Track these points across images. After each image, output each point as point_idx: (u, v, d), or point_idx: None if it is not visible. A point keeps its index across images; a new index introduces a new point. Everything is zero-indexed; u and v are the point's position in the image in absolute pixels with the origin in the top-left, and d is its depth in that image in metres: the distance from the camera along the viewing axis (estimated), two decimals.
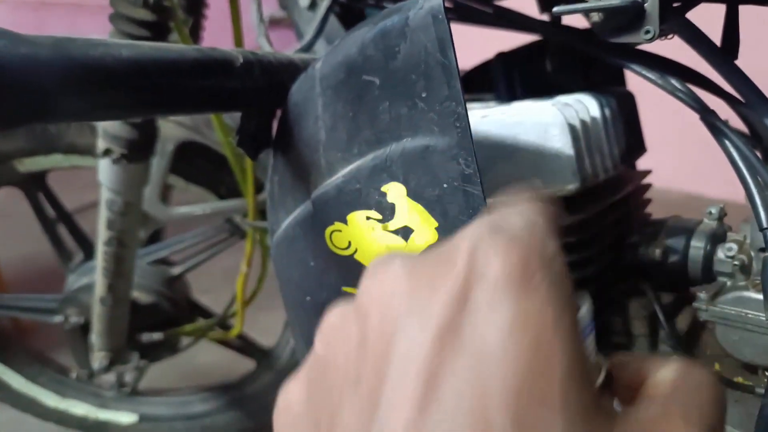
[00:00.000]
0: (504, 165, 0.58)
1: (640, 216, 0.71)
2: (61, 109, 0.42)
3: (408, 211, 0.47)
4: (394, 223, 0.49)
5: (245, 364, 1.27)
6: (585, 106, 0.59)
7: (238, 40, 0.88)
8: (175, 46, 0.50)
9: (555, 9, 0.41)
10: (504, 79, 0.74)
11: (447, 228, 0.46)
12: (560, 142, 0.56)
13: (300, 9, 0.79)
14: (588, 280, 0.60)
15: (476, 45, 0.75)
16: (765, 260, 0.46)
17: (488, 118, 0.58)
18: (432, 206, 0.46)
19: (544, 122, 0.56)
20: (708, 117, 0.50)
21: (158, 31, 0.75)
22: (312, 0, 0.77)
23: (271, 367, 1.22)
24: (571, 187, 0.56)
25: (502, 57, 0.75)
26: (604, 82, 0.70)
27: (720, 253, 0.58)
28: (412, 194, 0.46)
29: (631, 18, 0.42)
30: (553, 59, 0.62)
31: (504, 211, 0.21)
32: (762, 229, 0.47)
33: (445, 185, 0.45)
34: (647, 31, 0.42)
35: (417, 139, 0.45)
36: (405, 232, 0.48)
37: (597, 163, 0.59)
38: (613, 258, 0.62)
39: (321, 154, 0.53)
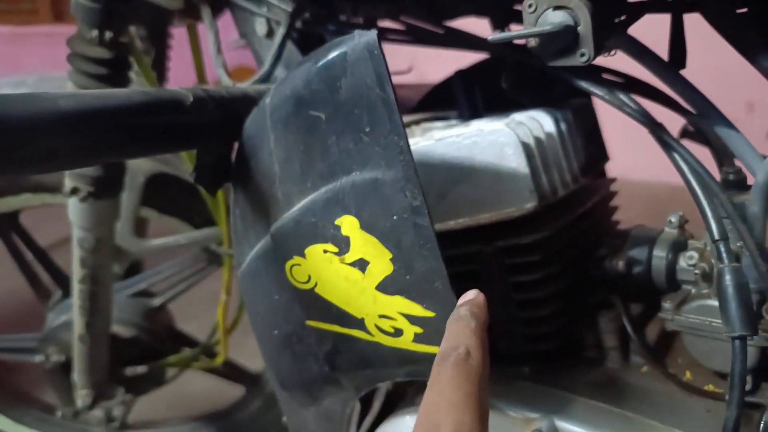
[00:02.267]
0: (463, 186, 0.58)
1: (608, 225, 0.71)
2: (4, 164, 0.42)
3: (362, 243, 0.47)
4: (351, 256, 0.49)
5: (235, 390, 1.26)
6: (539, 123, 0.60)
7: (200, 71, 0.88)
8: (119, 92, 0.50)
9: (490, 37, 0.42)
10: (465, 96, 0.74)
11: (400, 259, 0.46)
12: (515, 162, 0.56)
13: (258, 37, 0.79)
14: (557, 295, 0.60)
15: None
16: (719, 272, 0.46)
17: (444, 141, 0.58)
18: (385, 238, 0.46)
19: (499, 143, 0.56)
20: (657, 131, 0.50)
21: (117, 67, 0.75)
22: (269, 28, 0.77)
23: (260, 392, 1.21)
24: (529, 205, 0.56)
25: (461, 74, 0.75)
26: (565, 94, 0.70)
27: (682, 262, 0.58)
28: (365, 226, 0.46)
29: (567, 42, 0.42)
30: (507, 77, 0.62)
31: None
32: (714, 241, 0.47)
33: (395, 217, 0.45)
34: (582, 54, 0.42)
35: (366, 172, 0.45)
36: (361, 264, 0.48)
37: (555, 179, 0.59)
38: (580, 272, 0.62)
39: (277, 187, 0.53)
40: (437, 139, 0.59)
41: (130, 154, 0.57)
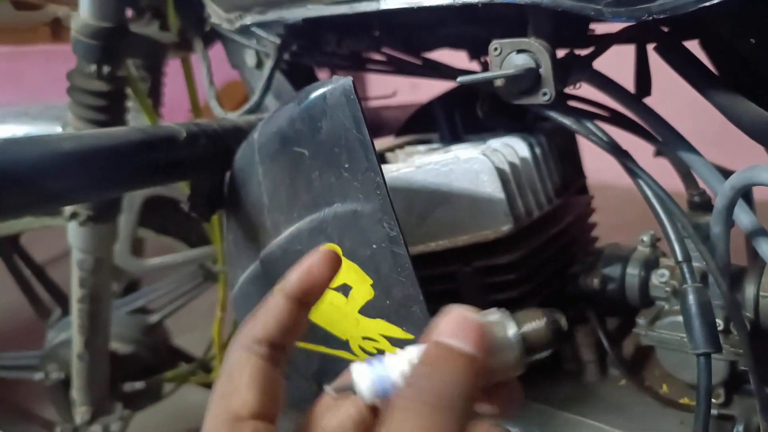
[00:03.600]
0: (442, 210, 0.61)
1: (584, 242, 0.74)
2: (10, 206, 0.45)
3: (345, 269, 0.50)
4: (335, 281, 0.52)
5: None
6: (513, 149, 0.63)
7: (194, 103, 0.92)
8: (118, 131, 0.53)
9: (458, 79, 0.45)
10: (445, 120, 0.77)
11: (380, 284, 0.49)
12: (491, 187, 0.59)
13: (248, 68, 0.82)
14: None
15: None
16: (683, 292, 0.49)
17: (423, 168, 0.61)
18: (365, 265, 0.49)
19: (474, 170, 0.59)
20: (622, 158, 0.53)
21: (114, 99, 0.78)
22: (258, 59, 0.80)
23: None
24: (505, 227, 0.59)
25: (442, 99, 0.79)
26: (540, 118, 0.73)
27: (654, 279, 0.61)
28: (347, 254, 0.49)
29: (530, 82, 0.45)
30: (482, 105, 0.65)
31: None
32: (678, 262, 0.50)
33: (374, 246, 0.48)
34: (544, 94, 0.45)
35: (346, 204, 0.48)
36: (344, 290, 0.51)
37: (530, 201, 0.62)
38: (557, 288, 0.65)
39: (266, 216, 0.57)
40: (417, 166, 0.62)
41: (130, 188, 0.60)
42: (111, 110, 0.76)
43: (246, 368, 0.30)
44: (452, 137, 0.77)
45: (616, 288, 0.62)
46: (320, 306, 0.54)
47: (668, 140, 0.56)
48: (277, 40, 0.73)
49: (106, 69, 0.73)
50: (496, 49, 0.46)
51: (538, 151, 0.66)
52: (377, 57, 0.74)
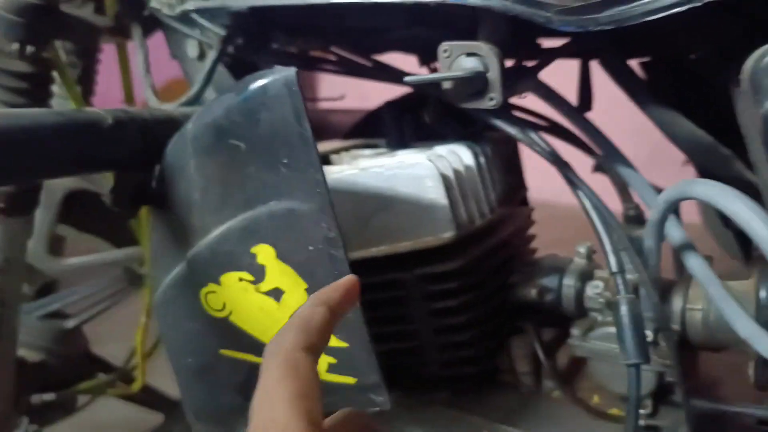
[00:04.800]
0: (384, 215, 0.60)
1: (525, 252, 0.75)
2: None
3: (278, 272, 0.47)
4: (266, 285, 0.49)
5: (153, 418, 1.21)
6: (458, 156, 0.62)
7: (128, 90, 0.87)
8: (30, 112, 0.49)
9: (406, 78, 0.44)
10: (393, 126, 0.76)
11: (316, 289, 0.46)
12: (434, 193, 0.58)
13: (190, 59, 0.78)
14: (474, 322, 0.62)
15: None
16: (616, 303, 0.50)
17: (368, 171, 0.60)
18: (300, 268, 0.47)
19: (419, 175, 0.58)
20: (563, 169, 0.53)
21: (37, 82, 0.72)
22: (201, 51, 0.77)
23: (181, 419, 1.17)
24: (447, 234, 0.58)
25: (391, 104, 0.78)
26: (486, 127, 0.73)
27: (589, 291, 0.62)
28: (282, 256, 0.47)
29: (478, 86, 0.44)
30: (430, 111, 0.64)
31: None
32: (612, 274, 0.50)
33: (311, 248, 0.46)
34: (491, 98, 0.45)
35: (283, 202, 0.46)
36: (276, 294, 0.48)
37: (473, 209, 0.62)
38: (497, 298, 0.65)
39: (195, 214, 0.53)
40: (361, 169, 0.60)
41: (44, 176, 0.55)
42: (32, 94, 0.71)
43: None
44: (399, 143, 0.76)
45: (553, 299, 0.62)
46: (249, 311, 0.52)
47: (607, 154, 0.57)
48: (222, 32, 0.70)
49: (30, 49, 0.67)
50: (445, 51, 0.45)
51: (482, 159, 0.65)
52: (327, 57, 0.72)
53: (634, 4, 0.38)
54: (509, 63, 0.54)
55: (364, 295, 0.59)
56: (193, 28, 0.73)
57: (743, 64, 0.38)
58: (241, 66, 0.79)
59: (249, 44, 0.73)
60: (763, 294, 0.50)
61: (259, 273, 0.48)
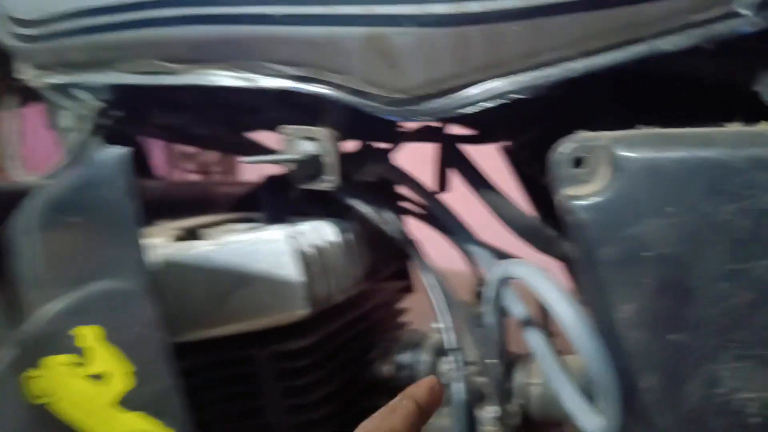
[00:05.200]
0: (242, 292, 0.59)
1: (391, 327, 0.76)
2: None
3: (106, 355, 0.46)
4: (92, 368, 0.47)
5: None
6: (320, 233, 0.63)
7: None
8: None
9: (241, 159, 0.45)
10: (271, 201, 0.77)
11: (143, 373, 0.45)
12: (291, 270, 0.58)
13: (63, 130, 0.77)
14: (326, 400, 0.61)
15: None
16: (451, 381, 0.51)
17: (226, 247, 0.60)
18: (128, 350, 0.45)
19: (276, 251, 0.58)
20: (408, 248, 0.55)
21: None
22: (75, 122, 0.76)
23: None
24: (302, 312, 0.58)
25: (270, 179, 0.79)
26: None
27: (442, 366, 0.63)
28: (109, 337, 0.45)
29: (315, 169, 0.47)
30: (293, 188, 0.66)
31: None
32: (449, 351, 0.52)
33: (137, 329, 0.45)
34: (328, 181, 0.47)
35: (110, 282, 0.45)
36: (103, 377, 0.46)
37: (332, 286, 0.62)
38: (353, 375, 0.65)
39: (24, 291, 0.51)
40: (219, 244, 0.60)
41: None
42: None
43: None
44: (275, 218, 0.77)
45: (409, 375, 0.63)
46: (74, 397, 0.49)
47: (458, 234, 0.60)
48: (98, 105, 0.70)
49: None
50: (285, 134, 0.48)
51: (348, 235, 0.67)
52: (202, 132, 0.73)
53: (449, 98, 0.42)
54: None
55: (213, 372, 0.58)
56: (67, 100, 0.73)
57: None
58: (121, 139, 0.79)
59: (126, 118, 0.73)
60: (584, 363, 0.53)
61: (85, 355, 0.46)
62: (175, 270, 0.59)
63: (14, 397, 0.52)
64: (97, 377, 0.45)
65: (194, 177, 2.20)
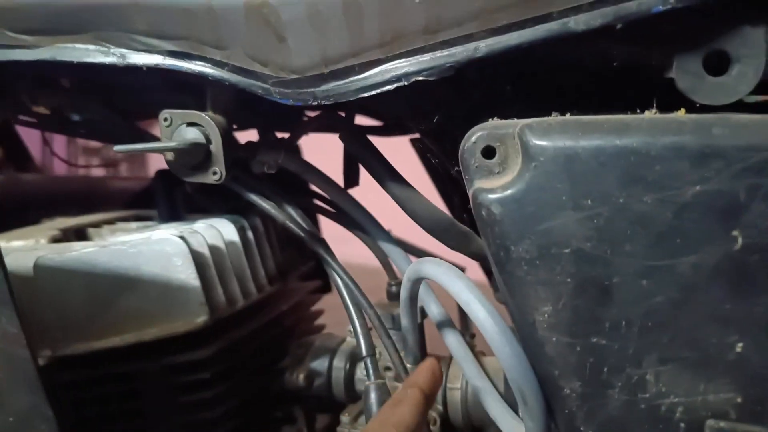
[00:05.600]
0: (128, 298, 0.53)
1: (303, 332, 0.71)
2: None
3: None
4: None
5: None
6: (218, 231, 0.57)
7: None
8: None
9: (115, 147, 0.38)
10: (163, 197, 0.70)
11: (1, 394, 0.38)
12: (184, 273, 0.52)
13: None
14: (230, 415, 0.56)
15: None
16: (366, 388, 0.47)
17: (109, 248, 0.53)
18: None
19: (165, 252, 0.52)
20: (316, 246, 0.51)
21: None
22: None
23: None
24: (199, 319, 0.52)
25: (161, 174, 0.71)
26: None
27: (359, 372, 0.59)
28: None
29: (200, 159, 0.41)
30: (192, 182, 0.59)
31: None
32: (362, 358, 0.48)
33: None
34: (214, 172, 0.41)
35: None
36: None
37: (234, 289, 0.57)
38: (262, 385, 0.60)
39: None
40: (102, 246, 0.53)
41: None
42: None
43: None
44: (171, 215, 0.70)
45: (323, 383, 0.58)
46: None
47: (369, 230, 0.56)
48: None
49: None
50: (166, 119, 0.41)
51: (249, 234, 0.61)
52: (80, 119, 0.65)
53: (348, 80, 0.37)
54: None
55: (97, 388, 0.51)
56: None
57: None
58: None
59: None
60: (503, 368, 0.51)
61: None
62: (47, 276, 0.52)
63: None
64: None
65: (99, 173, 2.05)
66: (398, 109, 0.44)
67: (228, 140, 0.41)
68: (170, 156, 0.41)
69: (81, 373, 0.52)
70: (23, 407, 0.38)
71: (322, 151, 0.72)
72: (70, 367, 0.52)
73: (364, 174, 0.57)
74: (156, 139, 0.61)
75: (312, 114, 0.57)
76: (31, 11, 0.41)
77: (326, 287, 0.86)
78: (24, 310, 0.39)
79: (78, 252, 0.53)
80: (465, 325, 0.68)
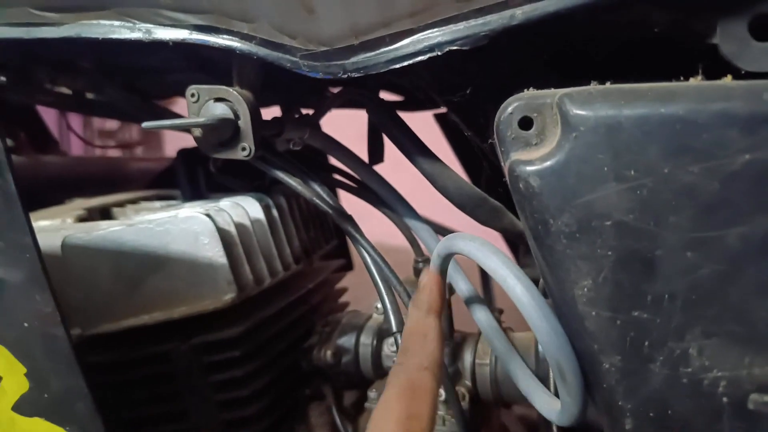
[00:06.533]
0: (157, 277, 0.53)
1: (329, 309, 0.71)
2: None
3: None
4: None
5: None
6: (244, 209, 0.57)
7: None
8: None
9: (144, 124, 0.38)
10: (186, 176, 0.70)
11: (35, 374, 0.38)
12: (211, 251, 0.52)
13: None
14: (261, 392, 0.56)
15: None
16: (393, 368, 0.47)
17: (136, 227, 0.53)
18: (16, 349, 0.38)
19: (193, 231, 0.52)
20: (344, 223, 0.50)
21: None
22: None
23: None
24: (228, 297, 0.52)
25: (184, 153, 0.71)
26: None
27: (386, 348, 0.59)
28: None
29: (228, 134, 0.40)
30: (216, 160, 0.59)
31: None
32: (392, 333, 0.48)
33: (25, 324, 0.38)
34: (243, 148, 0.40)
35: None
36: None
37: (261, 268, 0.57)
38: (290, 363, 0.60)
39: None
40: (129, 225, 0.53)
41: None
42: None
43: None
44: (194, 194, 0.70)
45: (351, 359, 0.59)
46: None
47: (394, 206, 0.55)
48: None
49: None
50: (193, 95, 0.41)
51: (274, 212, 0.61)
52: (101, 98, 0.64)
53: (379, 51, 0.37)
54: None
55: (130, 371, 0.51)
56: None
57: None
58: (9, 108, 0.69)
59: (13, 83, 0.63)
60: (540, 343, 0.50)
61: None
62: (75, 255, 0.52)
63: None
64: None
65: (114, 154, 2.06)
66: (427, 82, 0.43)
67: (256, 116, 0.41)
68: (198, 132, 0.40)
69: (112, 355, 0.53)
70: (60, 385, 0.38)
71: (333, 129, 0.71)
72: (101, 348, 0.53)
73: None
74: (177, 117, 0.61)
75: (335, 90, 0.56)
76: None
77: (348, 265, 0.86)
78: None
79: (105, 231, 0.53)
80: (490, 301, 0.68)
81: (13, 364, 0.39)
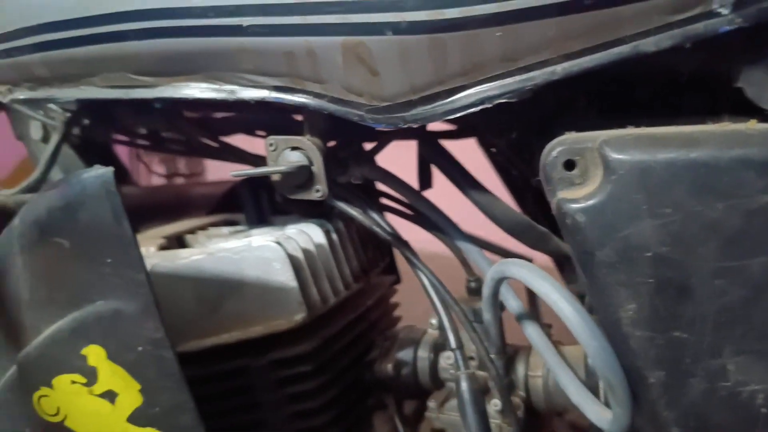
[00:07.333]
0: (234, 300, 0.59)
1: (386, 324, 0.76)
2: None
3: (110, 374, 0.45)
4: (99, 387, 0.47)
5: None
6: (308, 235, 0.63)
7: None
8: None
9: (232, 172, 0.44)
10: (251, 202, 0.76)
11: (149, 390, 0.45)
12: (283, 276, 0.58)
13: (33, 141, 0.75)
14: (331, 403, 0.62)
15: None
16: (457, 379, 0.51)
17: (215, 255, 0.59)
18: (132, 369, 0.45)
19: (266, 257, 0.58)
20: (402, 249, 0.55)
21: None
22: (45, 132, 0.74)
23: None
24: (299, 317, 0.58)
25: (249, 179, 0.78)
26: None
27: (442, 362, 0.63)
28: (113, 357, 0.45)
29: (303, 179, 0.46)
30: (275, 189, 0.65)
31: None
32: (452, 350, 0.52)
33: (140, 348, 0.44)
34: (317, 190, 0.46)
35: (109, 302, 0.44)
36: (111, 396, 0.46)
37: (326, 288, 0.62)
38: (356, 376, 0.65)
39: (24, 313, 0.50)
40: (209, 253, 0.60)
41: None
42: None
43: None
44: (258, 219, 0.76)
45: (410, 372, 0.64)
46: (83, 415, 0.49)
47: (446, 230, 0.60)
48: (65, 113, 0.68)
49: None
50: (271, 145, 0.47)
51: (334, 236, 0.67)
52: (176, 137, 0.72)
53: (436, 104, 0.42)
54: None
55: (213, 384, 0.58)
56: (37, 110, 0.71)
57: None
58: (91, 147, 0.77)
59: (96, 125, 0.71)
60: (590, 360, 0.54)
61: (91, 375, 0.46)
62: (161, 280, 0.59)
63: (18, 417, 0.51)
64: (104, 395, 0.45)
65: (161, 181, 2.17)
66: (478, 126, 0.48)
67: (327, 161, 0.46)
68: (277, 177, 0.46)
69: (197, 370, 0.59)
70: (168, 400, 0.44)
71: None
72: (186, 364, 0.59)
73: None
74: (241, 153, 0.67)
75: None
76: (151, 56, 0.47)
77: (398, 280, 0.91)
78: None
79: (188, 260, 0.60)
80: (537, 317, 0.72)
81: (129, 381, 0.45)
